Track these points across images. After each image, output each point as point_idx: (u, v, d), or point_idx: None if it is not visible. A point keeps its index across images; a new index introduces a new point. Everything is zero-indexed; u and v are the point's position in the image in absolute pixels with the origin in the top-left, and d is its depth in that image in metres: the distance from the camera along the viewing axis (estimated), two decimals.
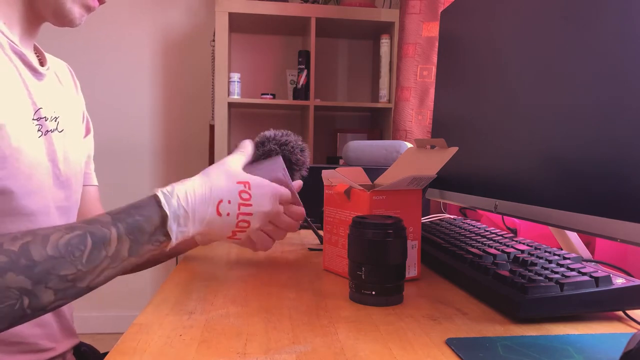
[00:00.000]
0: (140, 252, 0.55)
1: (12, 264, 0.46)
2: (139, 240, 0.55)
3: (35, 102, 0.70)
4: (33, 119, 0.69)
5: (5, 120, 0.63)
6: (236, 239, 0.66)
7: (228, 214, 0.62)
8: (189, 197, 0.59)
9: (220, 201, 0.62)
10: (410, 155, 0.80)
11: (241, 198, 0.63)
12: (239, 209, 0.63)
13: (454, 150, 0.71)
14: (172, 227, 0.57)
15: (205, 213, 0.60)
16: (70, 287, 0.50)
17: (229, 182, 0.63)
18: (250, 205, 0.64)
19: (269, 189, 0.66)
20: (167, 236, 0.57)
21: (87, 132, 0.90)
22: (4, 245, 0.47)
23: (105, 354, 0.83)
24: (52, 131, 0.73)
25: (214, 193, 0.61)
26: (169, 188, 0.59)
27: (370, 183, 0.78)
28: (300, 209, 0.73)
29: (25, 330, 0.70)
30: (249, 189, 0.64)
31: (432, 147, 0.78)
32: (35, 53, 0.77)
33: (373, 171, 0.84)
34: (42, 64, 0.76)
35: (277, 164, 0.72)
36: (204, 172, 0.64)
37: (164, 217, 0.57)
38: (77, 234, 0.51)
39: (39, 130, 0.70)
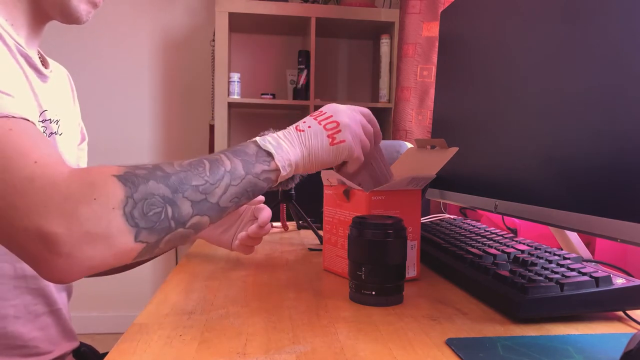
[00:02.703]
0: (254, 171, 0.57)
1: (151, 174, 0.49)
2: (247, 160, 0.57)
3: (41, 104, 0.70)
4: (39, 121, 0.69)
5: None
6: (341, 142, 0.63)
7: (309, 127, 0.64)
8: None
9: (297, 126, 0.64)
10: (411, 156, 0.80)
11: (311, 116, 0.66)
12: (315, 119, 0.65)
13: (454, 150, 0.71)
14: (266, 145, 0.59)
15: (289, 134, 0.62)
16: (204, 201, 0.52)
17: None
18: (324, 112, 0.65)
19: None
20: (269, 155, 0.59)
21: (83, 139, 0.91)
22: (137, 167, 0.50)
23: (105, 354, 0.83)
24: (54, 133, 0.73)
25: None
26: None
27: None
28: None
29: (26, 333, 0.70)
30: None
31: (433, 147, 0.78)
32: (37, 55, 0.77)
33: None
34: (45, 66, 0.76)
35: None
36: None
37: (256, 143, 0.60)
38: (193, 159, 0.54)
39: (44, 132, 0.70)
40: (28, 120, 0.51)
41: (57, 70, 0.81)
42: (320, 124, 0.64)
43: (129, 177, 0.48)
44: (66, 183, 0.46)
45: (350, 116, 0.65)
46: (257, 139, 0.60)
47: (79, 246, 0.45)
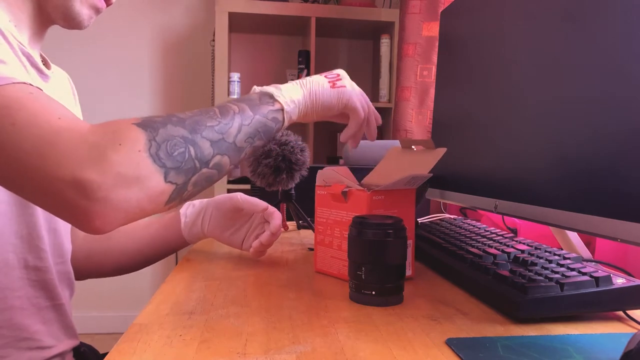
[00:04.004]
0: (261, 111, 0.61)
1: (167, 120, 0.52)
2: (252, 103, 0.60)
3: None
4: None
5: None
6: (342, 87, 0.70)
7: (310, 76, 0.70)
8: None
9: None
10: (396, 155, 0.80)
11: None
12: (320, 74, 0.72)
13: (442, 151, 0.71)
14: (266, 89, 0.64)
15: (291, 84, 0.67)
16: (222, 141, 0.55)
17: None
18: (331, 72, 0.73)
19: None
20: (272, 97, 0.63)
21: None
22: (152, 116, 0.53)
23: (105, 354, 0.83)
24: None
25: None
26: None
27: (358, 182, 0.78)
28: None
29: (31, 325, 0.71)
30: None
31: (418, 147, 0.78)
32: (40, 56, 0.77)
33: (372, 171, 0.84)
34: (46, 67, 0.76)
35: None
36: None
37: (256, 90, 0.65)
38: (201, 109, 0.57)
39: None
40: (42, 91, 0.53)
41: (58, 73, 0.82)
42: (322, 75, 0.71)
43: (147, 124, 0.50)
44: (91, 133, 0.48)
45: (352, 82, 0.73)
46: (257, 87, 0.65)
47: (114, 189, 0.46)
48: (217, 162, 0.54)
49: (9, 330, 0.68)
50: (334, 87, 0.69)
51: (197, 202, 0.87)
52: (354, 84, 0.73)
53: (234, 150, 0.56)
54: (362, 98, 0.73)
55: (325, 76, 0.70)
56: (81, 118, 0.89)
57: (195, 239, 0.87)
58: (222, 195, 0.85)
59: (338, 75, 0.72)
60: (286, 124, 0.65)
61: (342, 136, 0.76)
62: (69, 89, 0.86)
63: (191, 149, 0.51)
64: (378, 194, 0.67)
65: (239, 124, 0.57)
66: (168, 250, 0.89)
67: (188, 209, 0.87)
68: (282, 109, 0.63)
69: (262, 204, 0.82)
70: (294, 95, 0.65)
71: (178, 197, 0.52)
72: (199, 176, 0.52)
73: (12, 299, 0.69)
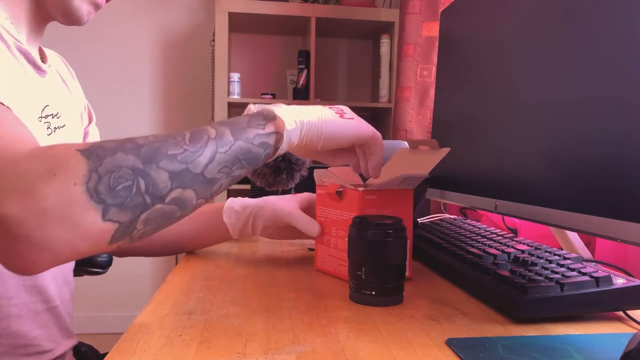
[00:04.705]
0: (246, 136, 0.52)
1: (119, 146, 0.45)
2: (237, 126, 0.52)
3: (42, 100, 0.70)
4: (40, 117, 0.69)
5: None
6: (351, 119, 0.63)
7: (318, 107, 0.62)
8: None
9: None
10: (403, 156, 0.80)
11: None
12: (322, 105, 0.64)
13: (446, 150, 0.71)
14: (268, 106, 0.56)
15: (295, 106, 0.60)
16: (185, 172, 0.46)
17: None
18: (332, 105, 0.65)
19: None
20: (267, 118, 0.55)
21: (90, 120, 0.90)
22: (107, 141, 0.46)
23: (105, 354, 0.83)
24: (58, 128, 0.73)
25: None
26: None
27: (362, 182, 0.78)
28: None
29: (29, 332, 0.70)
30: None
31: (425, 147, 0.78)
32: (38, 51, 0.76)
33: None
34: (43, 61, 0.76)
35: None
36: None
37: (251, 112, 0.56)
38: (174, 132, 0.50)
39: (48, 128, 0.70)
40: (2, 104, 0.49)
41: (52, 59, 0.80)
42: (325, 106, 0.64)
43: (93, 151, 0.44)
44: (25, 159, 0.43)
45: (357, 116, 0.66)
46: (252, 106, 0.58)
47: (39, 227, 0.40)
48: (176, 197, 0.46)
49: (6, 339, 0.68)
50: (342, 117, 0.62)
51: (239, 208, 0.82)
52: (358, 116, 0.66)
53: (201, 183, 0.48)
54: (364, 121, 0.67)
55: (330, 107, 0.64)
56: (83, 95, 0.88)
57: (247, 238, 0.87)
58: (272, 210, 0.80)
59: (342, 109, 0.65)
60: (284, 146, 0.57)
61: (371, 171, 0.67)
62: (66, 70, 0.85)
63: (141, 182, 0.44)
64: (370, 193, 0.67)
65: (212, 152, 0.49)
66: (214, 243, 0.88)
67: (232, 217, 0.82)
68: (274, 132, 0.55)
69: (315, 230, 0.76)
70: (297, 115, 0.58)
71: (125, 236, 0.45)
72: (151, 213, 0.45)
73: (8, 307, 0.68)
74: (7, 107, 0.51)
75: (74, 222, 0.41)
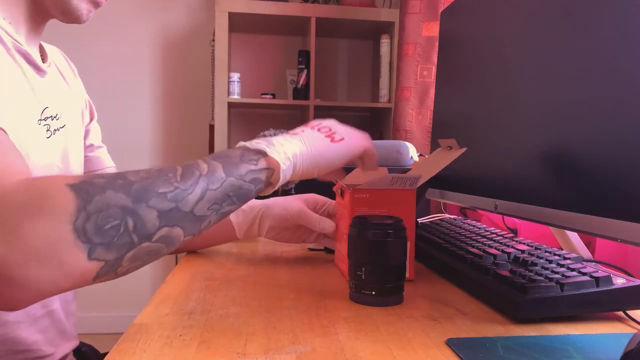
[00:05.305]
0: (237, 172, 0.51)
1: (110, 183, 0.44)
2: (229, 162, 0.51)
3: (41, 102, 0.70)
4: (40, 120, 0.68)
5: (9, 127, 0.59)
6: (340, 141, 0.62)
7: (302, 131, 0.61)
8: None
9: (289, 132, 0.61)
10: (434, 155, 0.82)
11: (301, 127, 0.63)
12: (306, 126, 0.63)
13: (460, 151, 0.72)
14: (255, 144, 0.55)
15: (283, 136, 0.59)
16: (174, 210, 0.46)
17: None
18: (312, 123, 0.64)
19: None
20: (260, 153, 0.54)
21: (92, 117, 0.90)
22: (97, 176, 0.46)
23: (105, 354, 0.83)
24: (58, 129, 0.73)
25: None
26: None
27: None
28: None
29: (28, 337, 0.70)
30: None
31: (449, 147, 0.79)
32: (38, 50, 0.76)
33: None
34: (43, 60, 0.75)
35: None
36: None
37: (243, 145, 0.56)
38: (167, 166, 0.49)
39: (47, 131, 0.69)
40: None
41: (53, 55, 0.80)
42: (313, 129, 0.62)
43: (83, 187, 0.43)
44: (11, 194, 0.41)
45: (339, 123, 0.65)
46: (244, 142, 0.57)
47: (23, 267, 0.40)
48: (164, 235, 0.46)
49: (5, 345, 0.67)
50: (333, 141, 0.62)
51: (247, 207, 0.82)
52: (346, 128, 0.66)
53: (190, 221, 0.47)
54: (355, 130, 0.66)
55: (319, 130, 0.62)
56: (84, 92, 0.88)
57: (251, 239, 0.89)
58: (281, 209, 0.80)
59: (330, 128, 0.63)
60: (281, 182, 0.56)
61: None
62: (67, 67, 0.84)
63: (129, 221, 0.43)
64: (361, 192, 0.67)
65: (203, 189, 0.48)
66: (220, 242, 0.89)
67: (239, 215, 0.82)
68: (267, 169, 0.54)
69: (329, 226, 0.77)
70: (289, 148, 0.57)
71: (110, 272, 0.44)
72: (138, 251, 0.44)
73: (6, 313, 0.67)
74: (1, 127, 0.50)
75: (59, 262, 0.41)
